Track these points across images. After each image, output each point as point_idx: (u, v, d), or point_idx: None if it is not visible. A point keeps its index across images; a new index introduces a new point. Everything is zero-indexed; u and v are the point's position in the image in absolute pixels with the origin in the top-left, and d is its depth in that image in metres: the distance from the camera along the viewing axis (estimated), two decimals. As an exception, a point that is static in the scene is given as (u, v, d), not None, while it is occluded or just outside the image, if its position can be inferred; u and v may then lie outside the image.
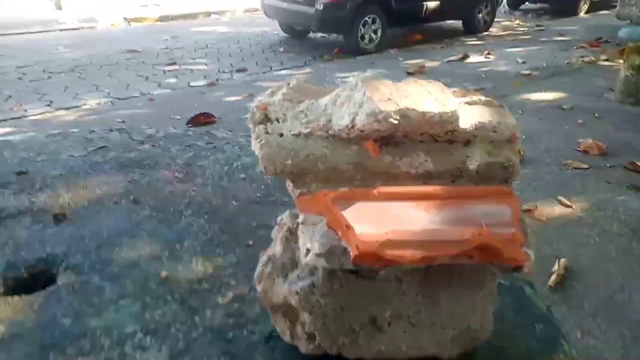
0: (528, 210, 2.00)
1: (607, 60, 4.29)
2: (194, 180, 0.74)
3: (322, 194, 0.38)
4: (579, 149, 2.53)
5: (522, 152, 2.45)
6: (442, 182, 0.40)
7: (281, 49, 5.17)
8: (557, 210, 2.03)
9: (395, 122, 0.38)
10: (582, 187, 2.19)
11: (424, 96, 0.40)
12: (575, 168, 2.35)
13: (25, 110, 3.23)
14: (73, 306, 0.49)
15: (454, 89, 0.45)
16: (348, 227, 0.36)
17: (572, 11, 7.18)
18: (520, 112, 3.05)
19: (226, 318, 0.48)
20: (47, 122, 3.04)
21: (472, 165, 0.40)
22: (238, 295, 0.51)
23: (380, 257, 0.34)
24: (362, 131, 0.39)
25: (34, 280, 0.54)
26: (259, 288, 0.43)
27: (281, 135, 0.40)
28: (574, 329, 1.43)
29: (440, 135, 0.40)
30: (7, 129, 2.88)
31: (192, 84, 3.90)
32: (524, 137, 2.71)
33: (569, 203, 2.06)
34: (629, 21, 3.14)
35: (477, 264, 0.42)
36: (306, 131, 0.40)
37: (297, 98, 0.42)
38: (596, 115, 2.98)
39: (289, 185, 0.40)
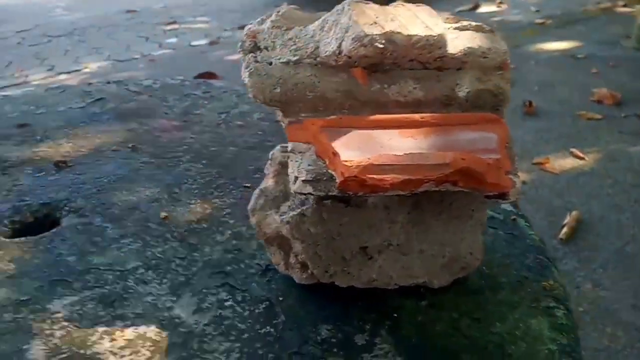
0: (540, 163, 1.98)
1: (625, 6, 4.10)
2: (192, 128, 0.74)
3: (311, 122, 0.38)
4: (592, 99, 2.46)
5: (532, 104, 2.40)
6: (432, 110, 0.40)
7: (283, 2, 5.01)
8: (570, 162, 2.01)
9: (381, 46, 0.37)
10: (595, 138, 2.14)
11: (412, 20, 0.39)
12: (588, 119, 2.30)
13: (27, 76, 3.22)
14: (77, 245, 0.51)
15: (446, 15, 0.44)
16: (334, 154, 0.36)
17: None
18: (532, 62, 2.96)
19: (224, 254, 0.50)
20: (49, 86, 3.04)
21: (462, 92, 0.40)
22: (236, 232, 0.53)
23: (363, 182, 0.35)
24: (349, 57, 0.38)
25: (39, 223, 0.55)
26: (252, 220, 0.44)
27: (270, 63, 0.40)
28: (585, 281, 1.44)
29: (429, 61, 0.40)
30: (9, 92, 2.90)
31: (193, 43, 3.83)
32: (536, 88, 2.64)
33: (581, 154, 2.02)
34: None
35: (463, 191, 0.43)
36: (294, 59, 0.40)
37: (286, 25, 0.42)
38: (611, 63, 2.88)
39: (279, 114, 0.40)
